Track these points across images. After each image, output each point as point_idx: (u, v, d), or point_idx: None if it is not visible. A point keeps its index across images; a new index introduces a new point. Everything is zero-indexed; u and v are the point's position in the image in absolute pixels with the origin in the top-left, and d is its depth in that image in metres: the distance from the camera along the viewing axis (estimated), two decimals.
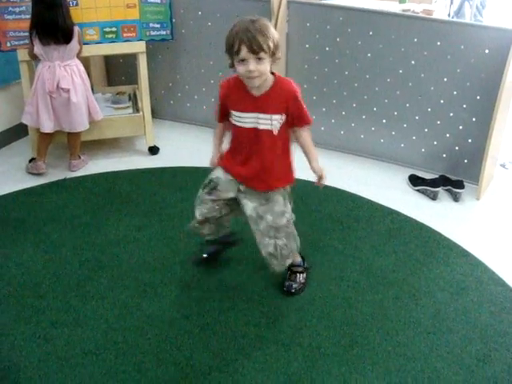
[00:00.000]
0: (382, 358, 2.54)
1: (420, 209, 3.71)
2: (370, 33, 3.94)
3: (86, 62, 4.71)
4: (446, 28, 3.77)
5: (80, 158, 4.12)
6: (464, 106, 3.85)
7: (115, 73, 4.98)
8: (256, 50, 2.41)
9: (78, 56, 3.86)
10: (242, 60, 2.44)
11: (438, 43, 3.77)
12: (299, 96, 2.60)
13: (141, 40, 4.08)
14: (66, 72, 3.74)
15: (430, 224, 3.53)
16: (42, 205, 3.63)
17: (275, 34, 2.50)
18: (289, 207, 2.74)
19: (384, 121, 4.16)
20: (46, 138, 3.96)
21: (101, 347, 2.55)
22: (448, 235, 3.43)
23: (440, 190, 3.85)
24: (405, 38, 3.87)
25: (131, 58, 4.36)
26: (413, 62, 3.90)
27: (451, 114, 3.91)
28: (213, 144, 2.89)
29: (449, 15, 8.53)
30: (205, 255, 3.05)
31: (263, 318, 2.74)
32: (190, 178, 3.95)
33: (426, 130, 4.04)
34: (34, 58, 3.78)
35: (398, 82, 4.01)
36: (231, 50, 2.46)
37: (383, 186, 3.97)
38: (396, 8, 5.51)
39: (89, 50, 3.99)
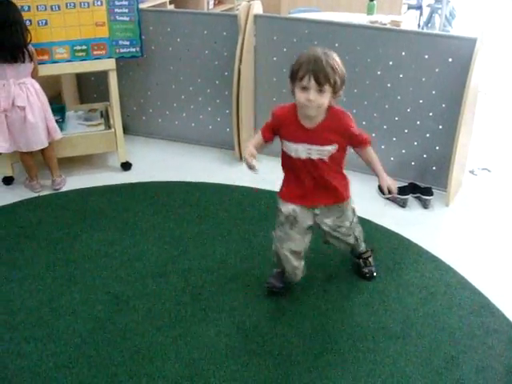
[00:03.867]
0: (351, 364, 2.58)
1: (390, 216, 3.76)
2: (336, 44, 3.99)
3: (57, 80, 4.77)
4: (409, 38, 3.84)
5: (61, 176, 4.14)
6: (430, 114, 3.92)
7: (87, 90, 5.02)
8: (321, 81, 2.42)
9: (34, 75, 3.82)
10: (304, 88, 2.46)
11: (403, 53, 3.84)
12: (353, 126, 2.66)
13: (110, 57, 4.10)
14: (22, 90, 3.70)
15: (399, 231, 3.58)
16: (15, 222, 3.64)
17: (343, 70, 2.51)
18: (353, 213, 3.00)
19: None
20: (26, 159, 3.97)
21: (74, 361, 2.57)
22: (417, 242, 3.48)
23: (409, 197, 3.90)
24: (370, 48, 3.93)
25: (102, 76, 4.38)
26: (379, 73, 3.97)
27: (418, 123, 3.98)
28: (255, 139, 2.77)
29: (419, 26, 8.69)
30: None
31: (234, 328, 2.77)
32: (161, 193, 3.99)
33: (394, 138, 4.10)
34: None
35: (365, 93, 4.07)
36: (295, 76, 2.47)
37: (353, 195, 3.98)
38: (364, 19, 5.62)
39: (59, 69, 4.03)
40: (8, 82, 3.68)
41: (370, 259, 3.17)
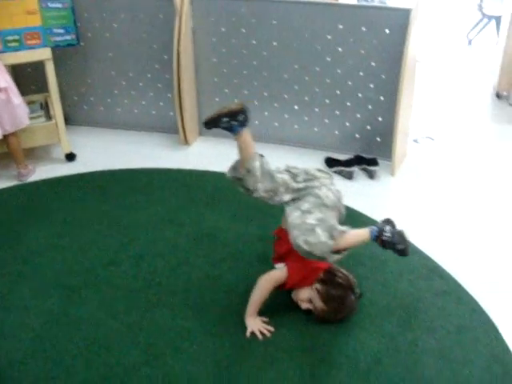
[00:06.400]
0: (307, 336, 2.62)
1: None
2: (274, 22, 4.01)
3: None
4: (346, 12, 3.88)
5: (28, 166, 4.09)
6: (371, 85, 3.96)
7: (24, 82, 4.89)
8: None
9: None
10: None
11: (340, 27, 3.87)
12: None
13: (46, 46, 4.01)
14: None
15: (347, 203, 3.56)
16: None
17: None
18: None
19: (296, 107, 4.23)
20: (14, 142, 3.94)
21: (28, 356, 2.54)
22: (365, 212, 3.54)
23: (355, 169, 3.95)
24: (307, 24, 3.95)
25: (39, 66, 4.29)
26: (318, 47, 3.99)
27: (360, 95, 4.02)
28: None
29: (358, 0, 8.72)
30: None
31: (189, 311, 2.78)
32: (108, 181, 3.95)
33: (337, 112, 4.14)
34: None
35: (306, 68, 4.09)
36: None
37: None
38: None
39: None
40: None
41: None
